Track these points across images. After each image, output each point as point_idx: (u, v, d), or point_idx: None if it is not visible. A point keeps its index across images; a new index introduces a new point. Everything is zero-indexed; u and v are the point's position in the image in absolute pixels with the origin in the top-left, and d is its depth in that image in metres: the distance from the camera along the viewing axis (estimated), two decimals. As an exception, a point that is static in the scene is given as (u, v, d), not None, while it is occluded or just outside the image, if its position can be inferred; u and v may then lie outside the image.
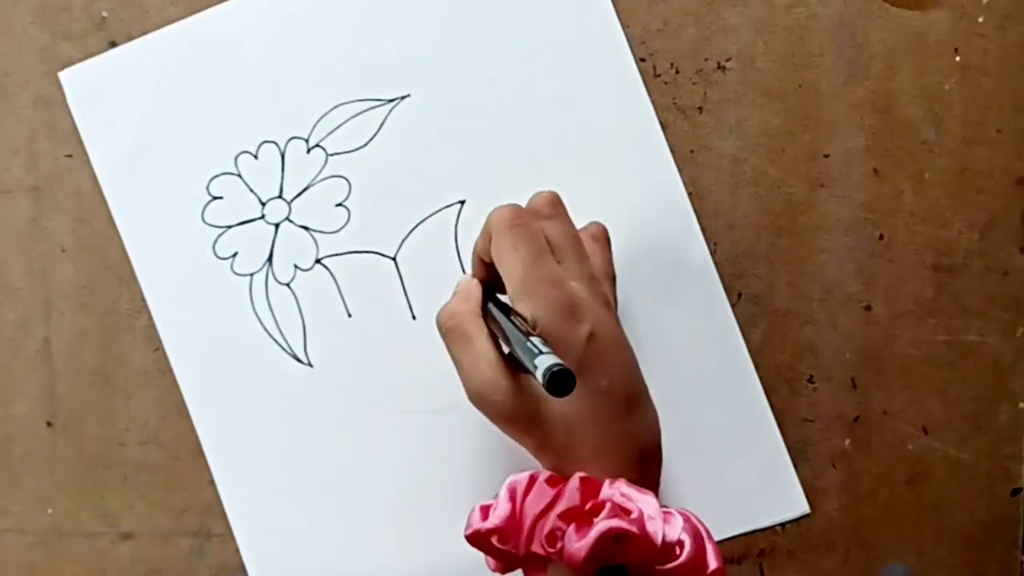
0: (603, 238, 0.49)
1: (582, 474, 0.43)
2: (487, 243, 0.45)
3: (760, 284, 0.53)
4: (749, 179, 0.53)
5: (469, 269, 0.49)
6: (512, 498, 0.43)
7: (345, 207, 0.53)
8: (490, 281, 0.47)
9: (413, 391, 0.53)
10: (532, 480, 0.44)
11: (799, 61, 0.53)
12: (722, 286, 0.53)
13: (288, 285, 0.53)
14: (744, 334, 0.53)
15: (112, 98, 0.53)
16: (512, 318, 0.43)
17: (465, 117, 0.53)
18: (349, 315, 0.53)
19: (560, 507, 0.42)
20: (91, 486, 0.54)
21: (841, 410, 0.53)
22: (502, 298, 0.46)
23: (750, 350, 0.53)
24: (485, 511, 0.44)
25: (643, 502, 0.42)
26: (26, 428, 0.54)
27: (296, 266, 0.53)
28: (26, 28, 0.54)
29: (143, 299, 0.53)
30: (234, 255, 0.53)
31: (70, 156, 0.54)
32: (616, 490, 0.43)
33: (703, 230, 0.53)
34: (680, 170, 0.53)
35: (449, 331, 0.45)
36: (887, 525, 0.53)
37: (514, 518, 0.43)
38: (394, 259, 0.53)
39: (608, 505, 0.42)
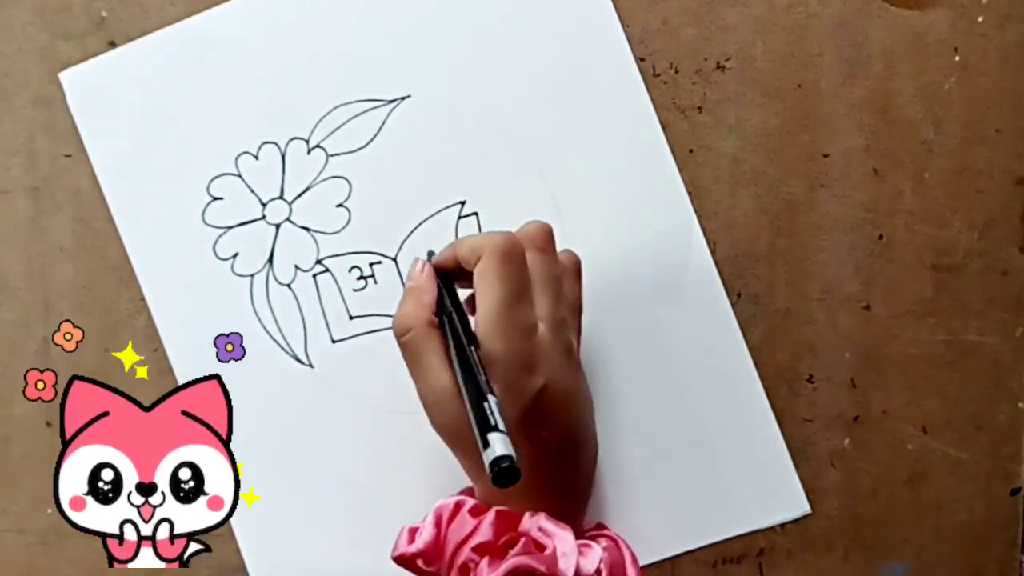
0: (575, 270, 0.48)
1: (500, 508, 0.44)
2: (473, 259, 0.44)
3: (760, 284, 0.53)
4: (748, 179, 0.53)
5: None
6: (438, 523, 0.45)
7: (346, 208, 0.53)
8: (451, 271, 0.47)
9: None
10: (458, 507, 0.45)
11: (798, 61, 0.53)
12: (722, 286, 0.53)
13: (289, 286, 0.53)
14: (744, 334, 0.53)
15: (112, 98, 0.53)
16: (470, 348, 0.43)
17: (465, 117, 0.53)
18: (350, 316, 0.53)
19: (474, 540, 0.43)
20: (91, 486, 0.54)
21: (840, 410, 0.53)
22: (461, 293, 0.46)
23: (750, 350, 0.53)
24: (412, 533, 0.45)
25: (559, 538, 0.43)
26: (26, 428, 0.54)
27: (297, 267, 0.53)
28: (25, 28, 0.53)
29: (143, 299, 0.53)
30: (235, 256, 0.53)
31: (69, 156, 0.54)
32: (535, 524, 0.43)
33: (703, 230, 0.53)
34: (680, 170, 0.53)
35: (402, 345, 0.45)
36: (886, 525, 0.53)
37: (437, 543, 0.44)
38: (394, 259, 0.53)
39: (522, 541, 0.42)
